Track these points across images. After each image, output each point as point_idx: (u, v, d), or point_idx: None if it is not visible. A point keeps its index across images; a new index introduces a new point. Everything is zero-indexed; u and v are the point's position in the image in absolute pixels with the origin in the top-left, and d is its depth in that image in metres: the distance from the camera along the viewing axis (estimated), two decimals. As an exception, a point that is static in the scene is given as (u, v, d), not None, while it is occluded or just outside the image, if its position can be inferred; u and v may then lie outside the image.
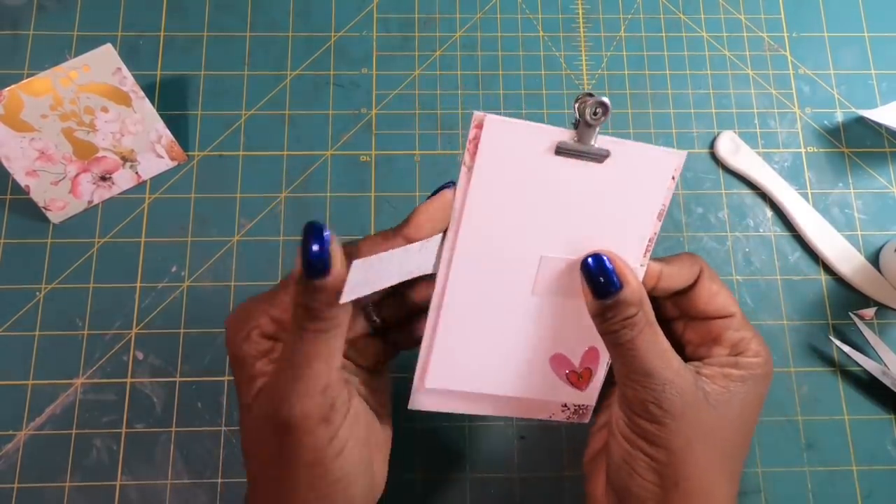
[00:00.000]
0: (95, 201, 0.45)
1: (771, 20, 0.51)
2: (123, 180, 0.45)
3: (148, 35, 0.48)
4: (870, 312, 0.44)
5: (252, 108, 0.47)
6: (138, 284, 0.44)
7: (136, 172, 0.46)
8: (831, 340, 0.44)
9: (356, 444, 0.28)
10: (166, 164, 0.46)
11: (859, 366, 0.43)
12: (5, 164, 0.43)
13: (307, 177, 0.46)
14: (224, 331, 0.29)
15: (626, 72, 0.49)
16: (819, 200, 0.47)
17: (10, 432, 0.41)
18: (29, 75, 0.43)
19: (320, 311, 0.25)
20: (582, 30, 0.50)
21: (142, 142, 0.45)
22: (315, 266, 0.24)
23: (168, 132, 0.46)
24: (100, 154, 0.45)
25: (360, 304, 0.30)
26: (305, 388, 0.26)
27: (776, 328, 0.44)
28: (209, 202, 0.45)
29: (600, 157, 0.27)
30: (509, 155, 0.27)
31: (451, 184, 0.28)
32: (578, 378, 0.32)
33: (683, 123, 0.48)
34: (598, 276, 0.28)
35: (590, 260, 0.28)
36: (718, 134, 0.48)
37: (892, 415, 0.43)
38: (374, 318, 0.31)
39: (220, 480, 0.41)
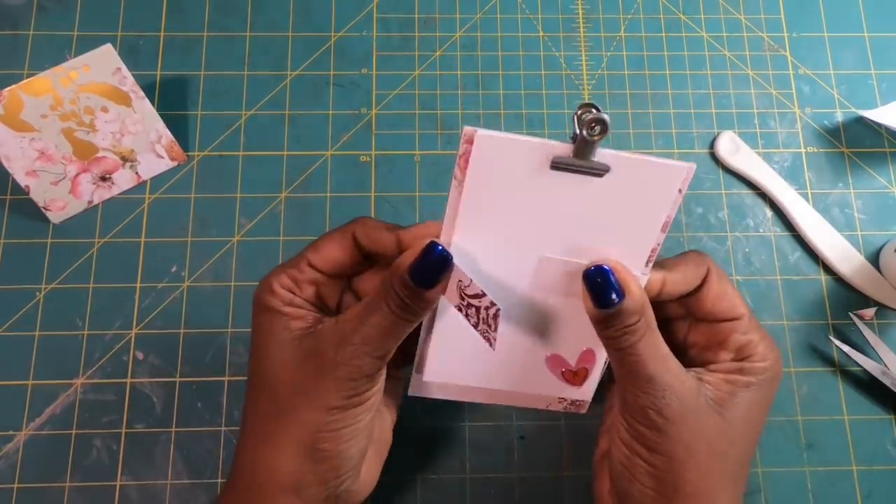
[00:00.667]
0: (95, 201, 0.45)
1: (771, 20, 0.51)
2: (123, 180, 0.45)
3: (148, 35, 0.48)
4: (870, 312, 0.44)
5: (252, 108, 0.47)
6: (138, 284, 0.44)
7: (136, 172, 0.46)
8: (831, 340, 0.44)
9: (364, 428, 0.29)
10: (166, 164, 0.46)
11: (859, 366, 0.43)
12: (5, 164, 0.43)
13: (307, 177, 0.46)
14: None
15: (626, 72, 0.49)
16: (819, 200, 0.47)
17: (10, 432, 0.41)
18: (29, 75, 0.43)
19: (414, 310, 0.28)
20: (582, 30, 0.50)
21: (142, 142, 0.45)
22: (430, 280, 0.27)
23: (168, 132, 0.46)
24: (100, 154, 0.45)
25: None
26: (369, 349, 0.28)
27: (776, 328, 0.44)
28: (209, 202, 0.45)
29: (600, 172, 0.26)
30: (501, 169, 0.26)
31: None
32: (574, 376, 0.33)
33: (683, 123, 0.48)
34: (601, 286, 0.27)
35: (592, 270, 0.28)
36: (718, 134, 0.48)
37: (892, 415, 0.43)
38: None
39: (220, 480, 0.41)
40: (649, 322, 0.28)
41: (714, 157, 0.47)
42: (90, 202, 0.45)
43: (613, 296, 0.27)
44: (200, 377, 0.42)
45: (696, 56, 0.50)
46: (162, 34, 0.49)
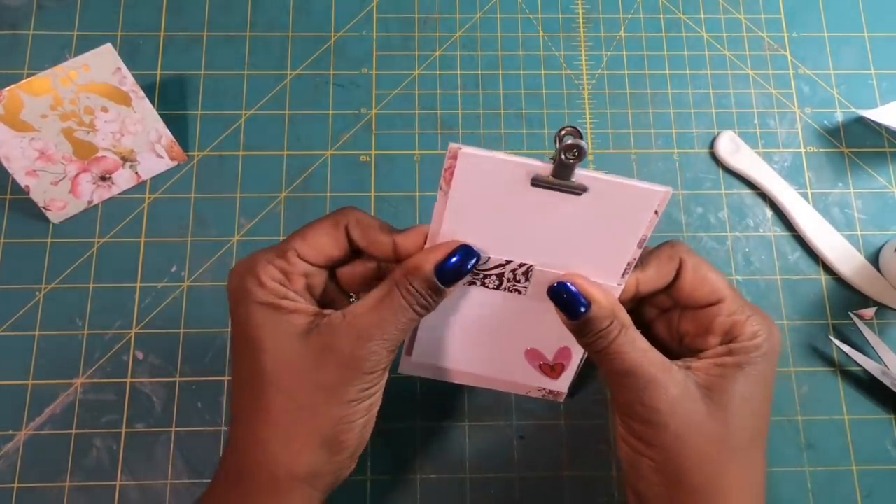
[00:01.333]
0: (95, 201, 0.45)
1: (771, 20, 0.51)
2: (123, 180, 0.45)
3: (148, 35, 0.48)
4: (870, 312, 0.44)
5: (252, 108, 0.47)
6: (138, 284, 0.44)
7: (136, 172, 0.46)
8: (831, 340, 0.44)
9: (374, 415, 0.30)
10: (166, 164, 0.46)
11: (859, 366, 0.43)
12: (5, 164, 0.43)
13: (307, 177, 0.46)
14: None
15: (626, 72, 0.49)
16: (819, 200, 0.47)
17: (10, 432, 0.41)
18: (29, 75, 0.43)
19: (432, 305, 0.29)
20: (582, 30, 0.50)
21: (142, 142, 0.45)
22: (453, 278, 0.29)
23: (168, 132, 0.46)
24: (100, 154, 0.45)
25: None
26: (387, 344, 0.29)
27: (776, 328, 0.44)
28: (209, 202, 0.45)
29: (578, 191, 0.28)
30: (484, 184, 0.28)
31: None
32: (551, 370, 0.34)
33: (683, 123, 0.48)
34: (567, 300, 0.29)
35: (556, 287, 0.29)
36: (718, 134, 0.48)
37: (892, 415, 0.43)
38: None
39: (220, 480, 0.40)
40: (623, 322, 0.29)
41: (714, 157, 0.47)
42: (90, 202, 0.45)
43: (581, 307, 0.29)
44: (200, 377, 0.42)
45: (696, 56, 0.50)
46: (162, 34, 0.49)
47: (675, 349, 0.33)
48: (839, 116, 0.49)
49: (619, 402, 0.30)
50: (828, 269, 0.45)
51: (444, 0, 0.50)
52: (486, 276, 0.31)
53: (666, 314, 0.33)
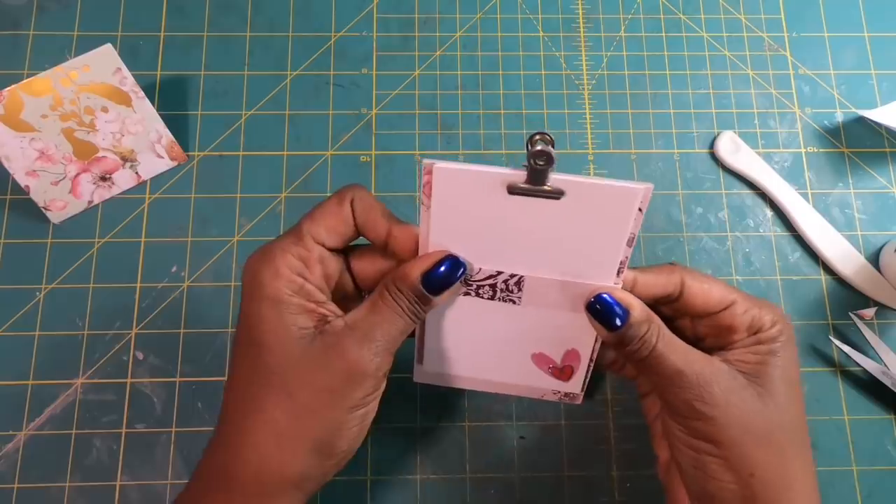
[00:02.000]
0: (95, 201, 0.45)
1: (771, 20, 0.51)
2: (123, 180, 0.45)
3: (148, 35, 0.48)
4: (870, 312, 0.44)
5: (252, 108, 0.47)
6: (138, 284, 0.44)
7: (136, 172, 0.46)
8: (831, 340, 0.44)
9: (369, 423, 0.30)
10: (166, 164, 0.46)
11: (859, 366, 0.43)
12: (5, 164, 0.43)
13: (307, 177, 0.46)
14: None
15: (626, 72, 0.49)
16: (819, 200, 0.47)
17: (10, 432, 0.41)
18: (29, 75, 0.43)
19: (421, 313, 0.30)
20: (582, 30, 0.50)
21: (142, 142, 0.45)
22: (440, 287, 0.29)
23: (168, 132, 0.46)
24: (100, 154, 0.45)
25: None
26: (391, 348, 0.29)
27: (776, 328, 0.44)
28: (209, 202, 0.45)
29: (555, 196, 0.28)
30: (463, 196, 0.28)
31: None
32: (560, 373, 0.34)
33: (683, 123, 0.48)
34: (604, 312, 0.29)
35: (592, 301, 0.30)
36: (718, 134, 0.48)
37: (892, 415, 0.43)
38: None
39: (220, 480, 0.40)
40: (660, 325, 0.29)
41: (714, 157, 0.47)
42: (90, 202, 0.45)
43: (618, 319, 0.29)
44: (200, 377, 0.42)
45: (696, 56, 0.50)
46: (162, 34, 0.49)
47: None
48: (839, 116, 0.49)
49: (674, 405, 0.29)
50: (828, 269, 0.45)
51: (444, 0, 0.50)
52: (479, 287, 0.31)
53: (678, 322, 0.33)
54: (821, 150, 0.48)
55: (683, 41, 0.50)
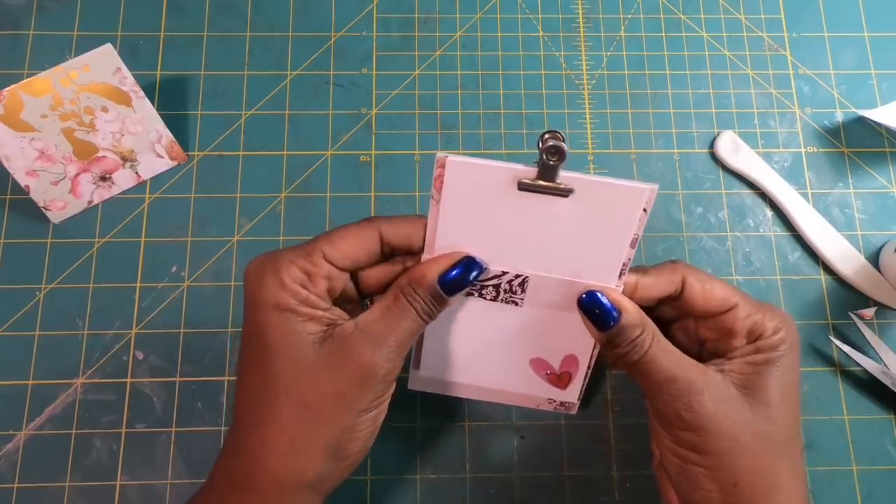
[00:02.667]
0: (95, 201, 0.45)
1: (771, 20, 0.51)
2: (123, 180, 0.45)
3: (148, 35, 0.48)
4: (870, 312, 0.44)
5: (252, 108, 0.47)
6: (138, 284, 0.44)
7: (136, 172, 0.46)
8: (831, 340, 0.44)
9: (380, 425, 0.31)
10: (166, 164, 0.46)
11: (859, 366, 0.43)
12: (5, 164, 0.43)
13: (307, 177, 0.46)
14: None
15: (626, 72, 0.49)
16: (819, 200, 0.47)
17: (10, 432, 0.41)
18: (29, 75, 0.43)
19: (435, 313, 0.30)
20: (582, 30, 0.50)
21: (142, 142, 0.45)
22: (456, 288, 0.30)
23: (168, 132, 0.46)
24: (100, 154, 0.45)
25: None
26: (401, 351, 0.30)
27: (776, 328, 0.44)
28: (209, 202, 0.45)
29: (564, 193, 0.28)
30: (473, 191, 0.28)
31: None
32: (558, 379, 0.34)
33: (683, 123, 0.48)
34: (596, 310, 0.29)
35: (585, 298, 0.30)
36: (718, 134, 0.48)
37: (892, 415, 0.43)
38: None
39: (220, 480, 0.40)
40: (653, 331, 0.29)
41: (714, 157, 0.47)
42: (90, 202, 0.45)
43: (610, 315, 0.29)
44: (200, 377, 0.42)
45: (696, 56, 0.50)
46: (162, 34, 0.49)
47: (696, 355, 0.32)
48: (839, 116, 0.49)
49: (662, 413, 0.29)
50: (828, 269, 0.45)
51: (444, 0, 0.50)
52: (483, 287, 0.31)
53: (680, 323, 0.33)
54: (821, 149, 0.48)
55: (683, 41, 0.50)
